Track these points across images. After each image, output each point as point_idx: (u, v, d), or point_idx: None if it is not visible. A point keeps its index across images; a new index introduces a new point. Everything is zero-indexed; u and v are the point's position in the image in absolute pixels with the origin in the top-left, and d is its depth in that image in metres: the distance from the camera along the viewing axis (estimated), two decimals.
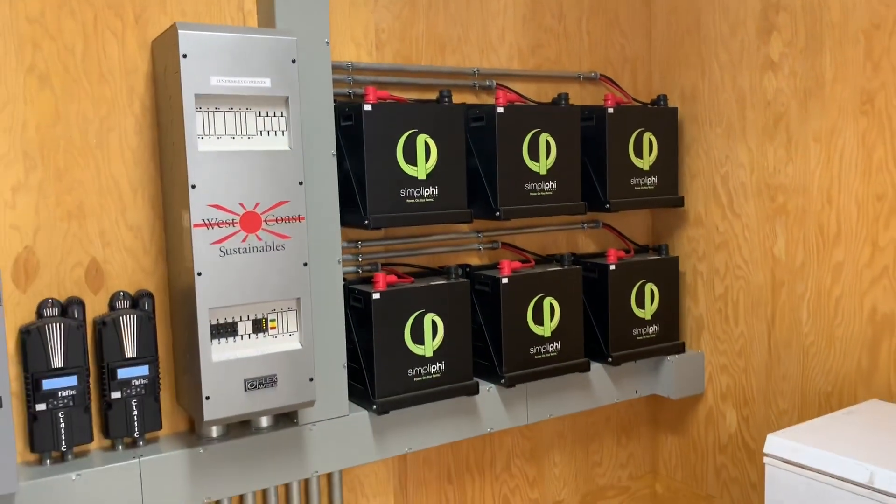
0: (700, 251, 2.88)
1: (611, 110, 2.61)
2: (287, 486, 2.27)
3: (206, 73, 1.81)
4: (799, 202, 2.53)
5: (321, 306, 2.12)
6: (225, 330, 1.91)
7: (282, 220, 1.92)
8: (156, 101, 2.03)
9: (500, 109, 2.36)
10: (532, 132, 2.43)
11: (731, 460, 2.84)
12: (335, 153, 2.14)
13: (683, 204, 2.85)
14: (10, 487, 1.69)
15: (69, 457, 1.91)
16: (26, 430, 1.87)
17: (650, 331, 2.74)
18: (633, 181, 2.68)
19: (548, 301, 2.48)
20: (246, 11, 2.15)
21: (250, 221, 1.88)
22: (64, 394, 1.85)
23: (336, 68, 2.26)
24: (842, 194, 2.41)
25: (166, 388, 2.08)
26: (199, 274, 1.83)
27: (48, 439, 1.86)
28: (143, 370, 1.95)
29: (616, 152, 2.63)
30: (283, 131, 1.94)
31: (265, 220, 1.90)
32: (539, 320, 2.47)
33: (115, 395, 1.92)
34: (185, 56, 1.78)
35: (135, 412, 1.95)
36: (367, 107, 2.15)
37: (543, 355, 2.49)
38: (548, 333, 2.49)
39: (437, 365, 2.29)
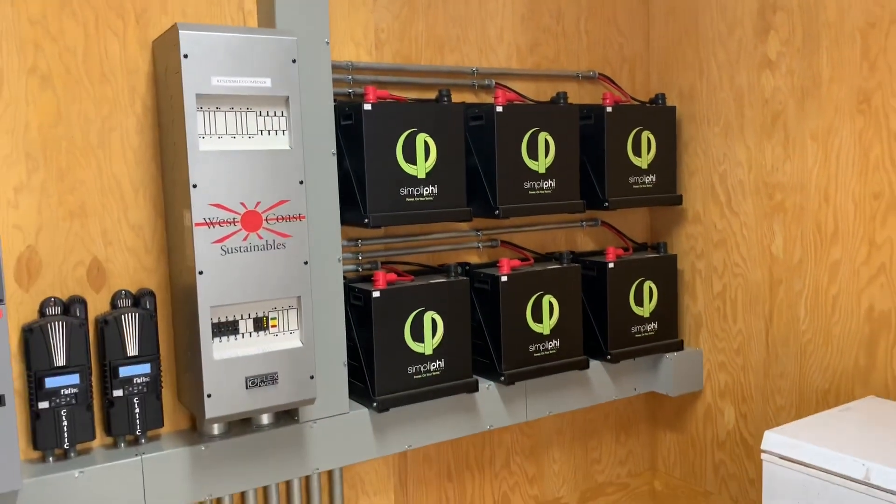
0: (698, 249, 2.89)
1: (609, 109, 2.62)
2: (288, 484, 2.28)
3: (206, 73, 1.82)
4: (796, 200, 2.55)
5: (322, 304, 2.13)
6: (226, 328, 1.92)
7: (282, 219, 1.93)
8: (157, 101, 2.05)
9: (499, 108, 2.37)
10: (531, 131, 2.44)
11: (730, 457, 2.86)
12: (335, 152, 2.15)
13: (682, 202, 2.86)
14: (14, 485, 1.70)
15: (72, 454, 1.93)
16: (29, 428, 1.88)
17: (649, 328, 2.75)
18: (632, 180, 2.69)
19: (547, 299, 2.50)
20: (246, 11, 2.16)
21: (251, 220, 1.89)
22: (66, 392, 1.87)
23: (336, 68, 2.27)
24: (839, 193, 2.42)
25: (168, 386, 2.09)
26: (201, 273, 1.84)
27: (51, 437, 1.87)
28: (145, 368, 1.96)
29: (614, 151, 2.64)
30: (283, 131, 1.95)
31: (266, 219, 1.91)
32: (538, 318, 2.48)
33: (118, 393, 1.94)
34: (185, 56, 1.80)
35: (137, 410, 1.96)
36: (367, 106, 2.16)
37: (543, 353, 2.50)
38: (547, 331, 2.50)
39: (437, 363, 2.30)
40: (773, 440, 2.02)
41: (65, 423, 1.87)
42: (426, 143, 2.25)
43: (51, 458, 1.91)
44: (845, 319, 2.44)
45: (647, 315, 2.74)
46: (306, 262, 1.98)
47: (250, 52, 1.87)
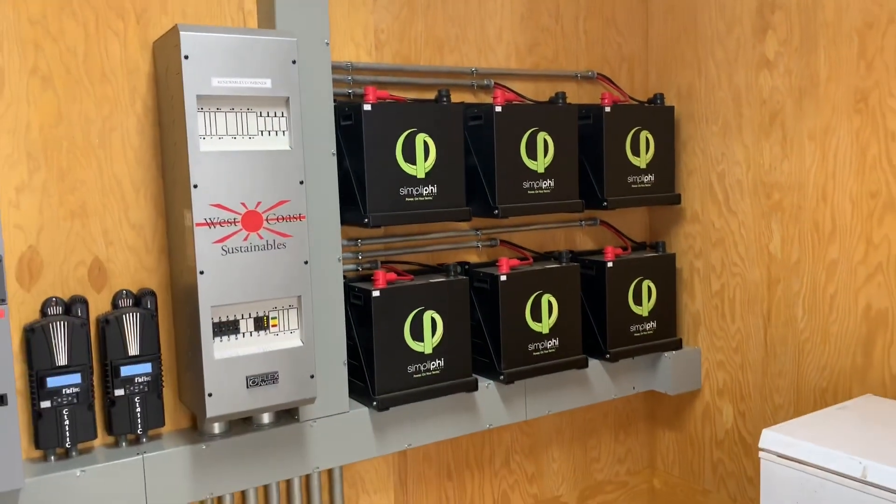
0: (697, 248, 2.90)
1: (608, 109, 2.63)
2: (288, 482, 2.29)
3: (207, 73, 1.83)
4: (794, 199, 2.56)
5: (322, 304, 2.14)
6: (227, 328, 1.93)
7: (283, 218, 1.94)
8: (157, 101, 2.05)
9: (498, 108, 2.38)
10: (530, 131, 2.45)
11: (728, 455, 2.87)
12: (335, 152, 2.16)
13: (680, 201, 2.87)
14: (16, 484, 1.71)
15: (73, 453, 1.94)
16: (31, 428, 1.89)
17: (647, 327, 2.76)
18: (631, 179, 2.70)
19: (546, 298, 2.50)
20: (246, 12, 2.17)
21: (252, 220, 1.90)
22: (68, 391, 1.88)
23: (336, 68, 2.28)
24: (836, 192, 2.43)
25: (169, 385, 2.10)
26: (202, 272, 1.85)
27: (53, 436, 1.88)
28: (146, 368, 1.97)
29: (613, 150, 2.65)
30: (283, 131, 1.96)
31: (266, 219, 1.92)
32: (537, 317, 2.49)
33: (119, 392, 1.94)
34: (186, 57, 1.80)
35: (138, 409, 1.97)
36: (367, 106, 2.17)
37: (542, 352, 2.51)
38: (546, 330, 2.51)
39: (437, 362, 2.31)
40: (771, 438, 2.03)
41: (66, 422, 1.88)
42: (425, 143, 2.26)
43: (52, 458, 1.92)
44: (843, 318, 2.45)
45: (645, 314, 2.75)
46: (306, 262, 1.99)
47: (250, 53, 1.88)
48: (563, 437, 2.94)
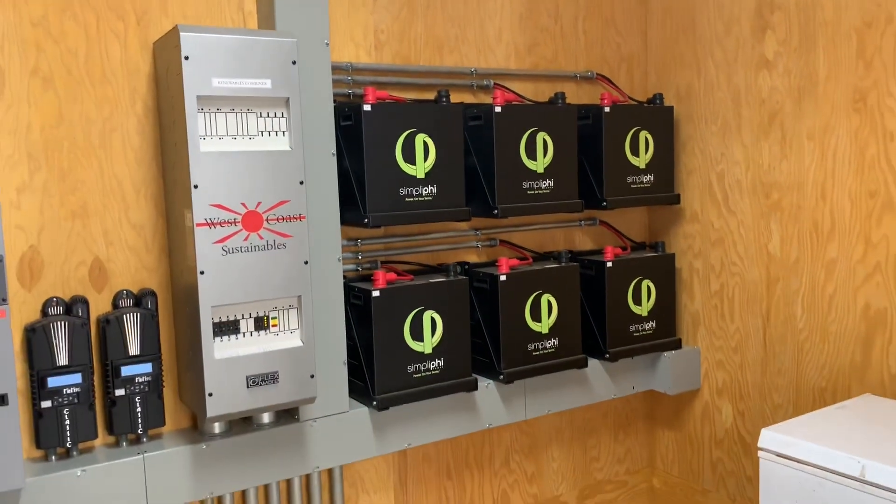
0: (696, 248, 2.91)
1: (607, 109, 2.63)
2: (288, 482, 2.29)
3: (207, 74, 1.83)
4: (793, 199, 2.56)
5: (322, 304, 2.14)
6: (227, 328, 1.93)
7: (283, 219, 1.95)
8: (158, 102, 2.06)
9: (498, 109, 2.39)
10: (529, 131, 2.45)
11: (727, 454, 2.87)
12: (335, 153, 2.16)
13: (679, 201, 2.87)
14: (17, 483, 1.71)
15: (74, 453, 1.94)
16: (32, 428, 1.89)
17: (647, 327, 2.77)
18: (630, 179, 2.71)
19: (545, 298, 2.51)
20: (246, 12, 2.17)
21: (252, 221, 1.90)
22: (69, 391, 1.88)
23: (336, 69, 2.29)
24: (835, 191, 2.44)
25: (169, 385, 2.11)
26: (202, 272, 1.85)
27: (53, 436, 1.89)
28: (147, 368, 1.98)
29: (612, 150, 2.65)
30: (283, 132, 1.97)
31: (266, 220, 1.92)
32: (537, 317, 2.50)
33: (119, 392, 1.95)
34: (186, 58, 1.81)
35: (138, 409, 1.98)
36: (367, 107, 2.17)
37: (541, 352, 2.51)
38: (545, 330, 2.52)
39: (437, 361, 2.32)
40: (770, 438, 2.04)
41: (67, 422, 1.89)
42: (425, 144, 2.27)
43: (53, 457, 1.93)
44: (842, 317, 2.45)
45: (645, 314, 2.76)
46: (306, 262, 1.99)
47: (251, 54, 1.88)
48: (563, 437, 2.95)
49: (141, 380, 1.97)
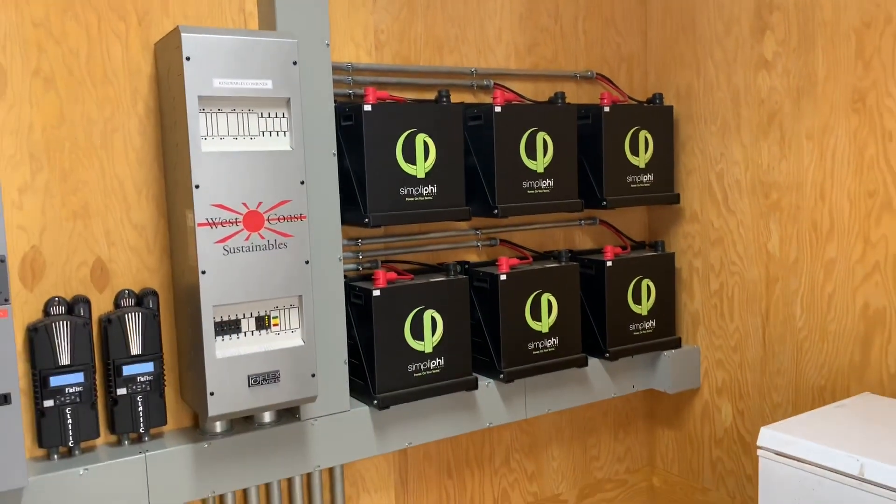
0: (696, 247, 2.91)
1: (607, 109, 2.64)
2: (290, 481, 2.30)
3: (208, 75, 1.84)
4: (792, 199, 2.57)
5: (323, 303, 2.15)
6: (228, 327, 1.94)
7: (284, 219, 1.95)
8: (159, 103, 2.07)
9: (498, 108, 2.39)
10: (529, 131, 2.46)
11: (727, 453, 2.88)
12: (336, 153, 2.17)
13: (679, 201, 2.88)
14: (19, 482, 1.72)
15: (76, 452, 1.95)
16: (34, 427, 1.90)
17: (647, 326, 2.77)
18: (630, 178, 2.71)
19: (545, 297, 2.52)
20: (247, 13, 2.18)
21: (253, 220, 1.91)
22: (71, 390, 1.89)
23: (336, 69, 2.29)
24: (834, 191, 2.45)
25: (171, 384, 2.11)
26: (203, 272, 1.86)
27: (56, 435, 1.89)
28: (148, 367, 1.99)
29: (612, 150, 2.66)
30: (284, 132, 1.97)
31: (267, 219, 1.93)
32: (537, 316, 2.50)
33: (121, 391, 1.96)
34: (188, 59, 1.81)
35: (140, 408, 1.98)
36: (367, 107, 2.18)
37: (541, 351, 2.52)
38: (546, 329, 2.52)
39: (437, 361, 2.32)
40: (769, 436, 2.04)
41: (69, 421, 1.89)
42: (425, 144, 2.27)
43: (55, 456, 1.93)
44: (841, 317, 2.46)
45: (644, 313, 2.76)
46: (307, 262, 2.00)
47: (252, 55, 1.89)
48: (563, 436, 2.96)
49: (142, 379, 1.98)
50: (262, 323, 1.99)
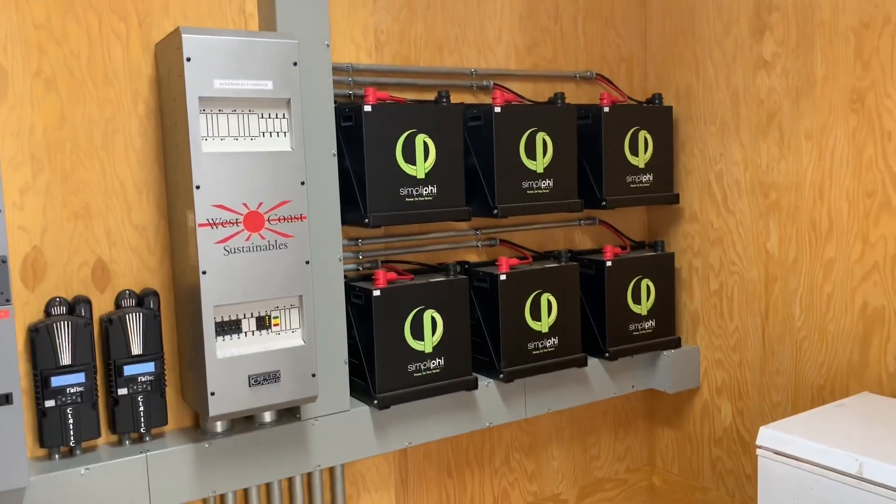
0: (695, 247, 2.92)
1: (607, 109, 2.64)
2: (290, 480, 2.31)
3: (209, 76, 1.84)
4: (791, 199, 2.57)
5: (323, 303, 2.16)
6: (229, 327, 1.95)
7: (284, 219, 1.96)
8: (160, 104, 2.07)
9: (498, 109, 2.40)
10: (529, 131, 2.47)
11: (727, 453, 2.89)
12: (336, 153, 2.18)
13: (679, 201, 2.89)
14: (21, 482, 1.73)
15: (77, 452, 1.96)
16: (36, 427, 1.91)
17: (646, 326, 2.78)
18: (629, 179, 2.72)
19: (545, 297, 2.52)
20: (247, 14, 2.19)
21: (254, 221, 1.92)
22: (72, 390, 1.90)
23: (336, 70, 2.30)
24: (833, 191, 2.45)
25: (172, 384, 2.12)
26: (204, 272, 1.87)
27: (57, 435, 1.90)
28: (149, 367, 1.99)
29: (612, 150, 2.66)
30: (285, 132, 1.98)
31: (268, 220, 1.94)
32: (537, 316, 2.51)
33: (122, 391, 1.96)
34: (188, 59, 1.82)
35: (141, 408, 1.99)
36: (367, 107, 2.19)
37: (541, 350, 2.53)
38: (545, 329, 2.53)
39: (437, 360, 2.33)
40: (768, 436, 2.05)
41: (70, 421, 1.90)
42: (425, 144, 2.28)
43: (57, 456, 1.94)
44: (840, 316, 2.47)
45: (644, 313, 2.77)
46: (308, 262, 2.00)
47: (252, 55, 1.89)
48: (563, 436, 2.96)
49: (143, 379, 1.98)
50: (263, 323, 1.99)
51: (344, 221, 2.22)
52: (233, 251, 1.90)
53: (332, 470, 2.40)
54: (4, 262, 1.69)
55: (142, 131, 2.06)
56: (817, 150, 2.48)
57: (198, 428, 2.15)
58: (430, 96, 2.48)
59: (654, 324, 2.80)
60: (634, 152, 2.72)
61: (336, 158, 2.18)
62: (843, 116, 2.41)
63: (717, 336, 2.87)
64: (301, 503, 2.31)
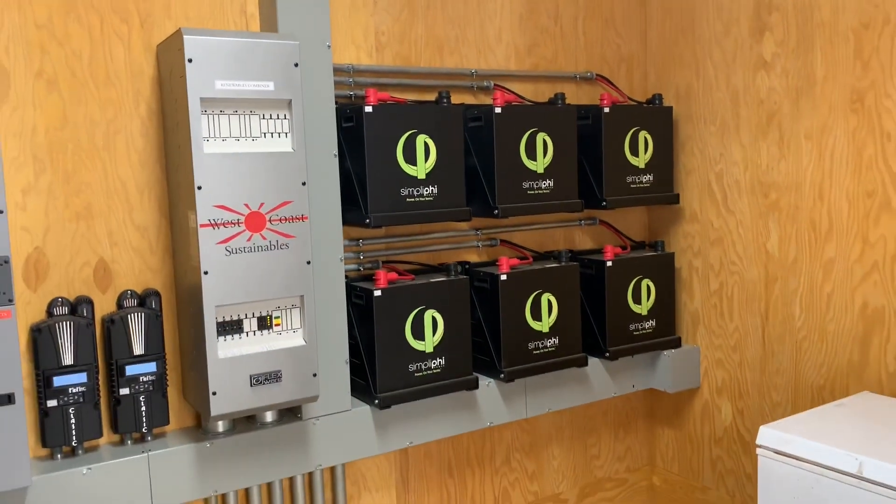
0: (695, 247, 2.92)
1: (607, 109, 2.65)
2: (291, 480, 2.31)
3: (210, 77, 1.85)
4: (791, 199, 2.58)
5: (324, 303, 2.16)
6: (231, 327, 1.95)
7: (285, 219, 1.97)
8: (161, 104, 2.08)
9: (498, 109, 2.40)
10: (529, 131, 2.47)
11: (727, 452, 2.89)
12: (337, 154, 2.18)
13: (679, 201, 2.89)
14: (23, 482, 1.74)
15: (79, 451, 1.96)
16: (38, 426, 1.91)
17: (647, 326, 2.78)
18: (630, 179, 2.72)
19: (546, 297, 2.53)
20: (248, 15, 2.19)
21: (255, 221, 1.92)
22: (74, 390, 1.90)
23: (337, 71, 2.30)
24: (833, 191, 2.46)
25: (173, 384, 2.12)
26: (206, 273, 1.87)
27: (59, 435, 1.90)
28: (151, 367, 2.00)
29: (612, 150, 2.67)
30: (286, 133, 1.99)
31: (269, 220, 1.94)
32: (537, 316, 2.51)
33: (124, 391, 1.97)
34: (190, 60, 1.83)
35: (143, 408, 1.99)
36: (368, 108, 2.19)
37: (542, 350, 2.53)
38: (546, 329, 2.53)
39: (438, 360, 2.34)
40: (768, 435, 2.05)
41: (72, 420, 1.91)
42: (426, 144, 2.28)
43: (59, 456, 1.94)
44: (840, 316, 2.47)
45: (644, 313, 2.77)
46: (309, 262, 2.01)
47: (253, 57, 1.90)
48: (564, 435, 2.97)
49: (145, 379, 1.99)
50: (264, 323, 2.00)
51: (345, 222, 2.22)
52: (234, 251, 1.90)
53: (333, 469, 2.40)
54: (7, 262, 1.70)
55: (143, 132, 2.07)
56: (817, 150, 2.49)
57: (199, 428, 2.16)
58: (431, 97, 2.48)
59: (654, 324, 2.80)
60: (634, 152, 2.72)
61: (337, 159, 2.18)
62: (842, 116, 2.41)
63: (718, 336, 2.87)
64: (302, 503, 2.31)
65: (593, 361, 2.70)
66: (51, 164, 1.96)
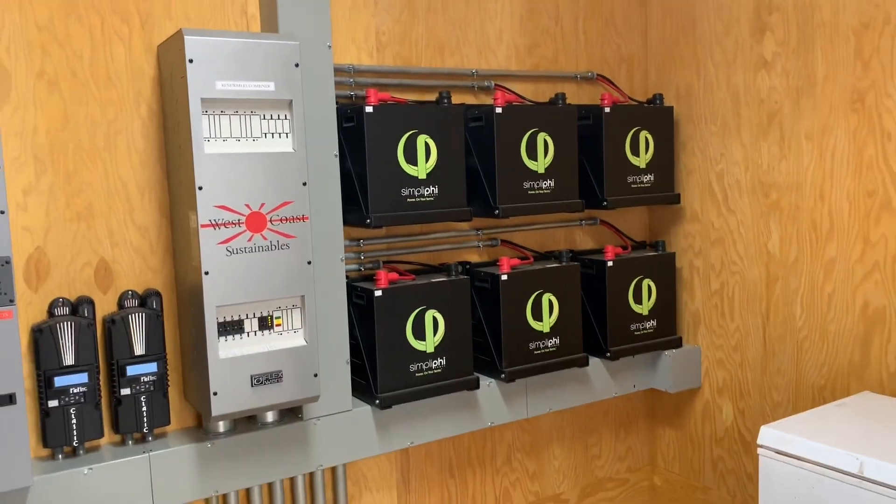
0: (696, 247, 2.92)
1: (607, 109, 2.65)
2: (292, 480, 2.31)
3: (211, 77, 1.85)
4: (792, 199, 2.58)
5: (325, 303, 2.16)
6: (231, 327, 1.95)
7: (286, 219, 1.97)
8: (162, 105, 2.08)
9: (499, 109, 2.40)
10: (530, 131, 2.47)
11: (728, 452, 2.89)
12: (337, 154, 2.18)
13: (680, 201, 2.89)
14: (25, 482, 1.74)
15: (81, 452, 1.96)
16: (39, 427, 1.91)
17: (647, 326, 2.78)
18: (630, 179, 2.72)
19: (546, 297, 2.53)
20: (249, 16, 2.19)
21: (256, 221, 1.92)
22: (75, 391, 1.90)
23: (338, 71, 2.31)
24: (834, 191, 2.46)
25: (174, 384, 2.13)
26: (207, 273, 1.87)
27: (60, 435, 1.91)
28: (152, 367, 2.00)
29: (613, 150, 2.67)
30: (286, 133, 1.99)
31: (270, 220, 1.94)
32: (538, 316, 2.51)
33: (125, 391, 1.97)
34: (191, 61, 1.83)
35: (144, 408, 2.00)
36: (369, 108, 2.19)
37: (542, 350, 2.53)
38: (547, 329, 2.53)
39: (439, 360, 2.34)
40: (769, 435, 2.05)
41: (74, 421, 1.91)
42: (427, 145, 2.29)
43: (60, 456, 1.95)
44: (840, 316, 2.47)
45: (645, 313, 2.77)
46: (310, 262, 2.01)
47: (254, 57, 1.90)
48: (564, 435, 2.97)
49: (146, 379, 1.99)
50: (265, 323, 2.00)
51: (345, 222, 2.22)
52: (235, 252, 1.90)
53: (333, 470, 2.41)
54: (8, 262, 1.70)
55: (144, 132, 2.07)
56: (818, 150, 2.49)
57: (200, 428, 2.16)
58: (432, 97, 2.48)
59: (655, 324, 2.80)
60: (635, 152, 2.72)
61: (338, 159, 2.18)
62: (843, 116, 2.41)
63: (718, 336, 2.87)
64: (303, 503, 2.32)
65: (594, 361, 2.70)
66: (52, 164, 1.96)
